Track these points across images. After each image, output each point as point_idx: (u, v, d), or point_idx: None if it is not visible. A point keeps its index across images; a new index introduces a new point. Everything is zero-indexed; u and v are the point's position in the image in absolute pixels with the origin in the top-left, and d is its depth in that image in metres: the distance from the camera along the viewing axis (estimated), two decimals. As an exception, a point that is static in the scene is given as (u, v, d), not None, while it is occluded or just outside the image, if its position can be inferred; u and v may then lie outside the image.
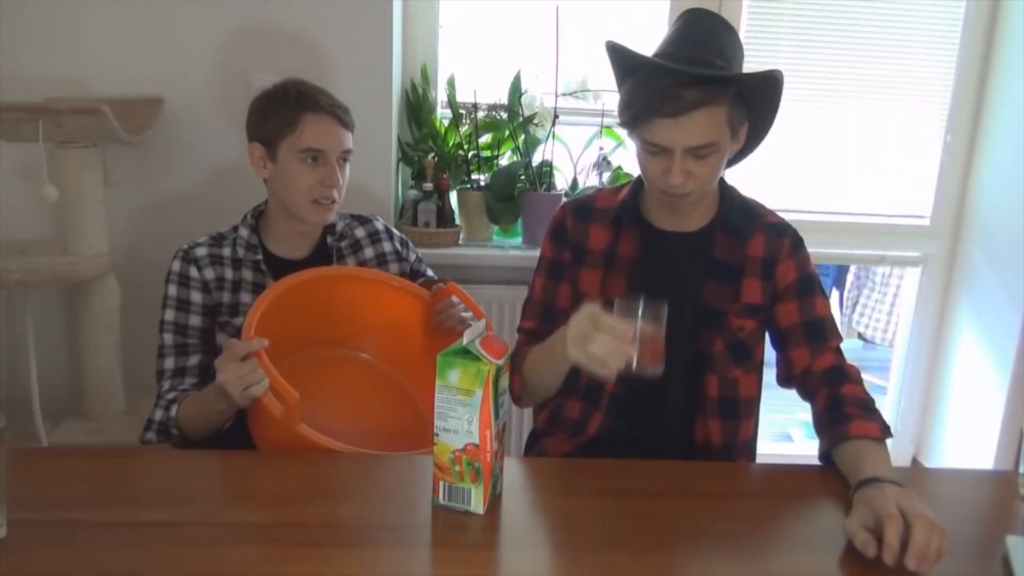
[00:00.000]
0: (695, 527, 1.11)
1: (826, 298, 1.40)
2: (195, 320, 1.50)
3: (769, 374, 1.46)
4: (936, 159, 2.58)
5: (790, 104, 2.50)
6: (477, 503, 1.06)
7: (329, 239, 1.62)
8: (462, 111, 2.37)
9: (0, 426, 0.96)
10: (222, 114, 2.16)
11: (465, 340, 1.05)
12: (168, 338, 1.50)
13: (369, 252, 1.66)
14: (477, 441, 1.04)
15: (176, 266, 1.52)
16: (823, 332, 1.36)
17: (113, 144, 2.03)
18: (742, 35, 2.42)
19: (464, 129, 2.39)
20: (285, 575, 0.94)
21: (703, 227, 1.39)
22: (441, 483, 1.07)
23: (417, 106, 2.37)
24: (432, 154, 2.35)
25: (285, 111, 1.48)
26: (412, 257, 1.71)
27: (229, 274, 1.54)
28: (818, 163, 2.56)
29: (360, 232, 1.67)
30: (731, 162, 1.37)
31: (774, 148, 2.52)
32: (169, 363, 1.49)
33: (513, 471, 1.16)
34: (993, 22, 2.47)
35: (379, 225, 1.71)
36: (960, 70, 2.50)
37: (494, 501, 1.09)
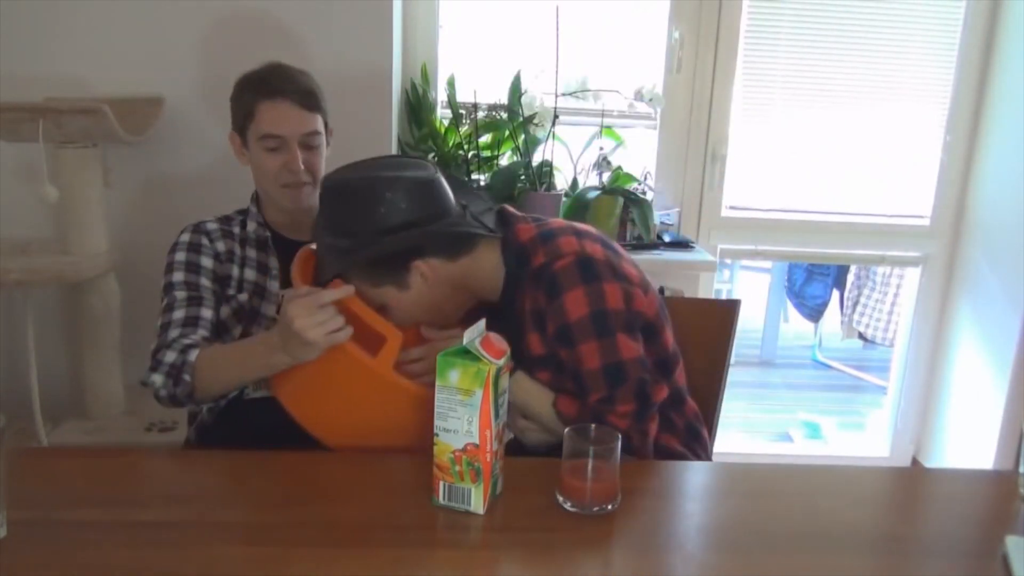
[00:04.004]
0: (695, 527, 1.11)
1: None
2: (206, 283, 1.47)
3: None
4: (936, 159, 2.58)
5: (791, 104, 2.53)
6: (477, 503, 1.06)
7: None
8: (462, 111, 2.37)
9: (0, 426, 0.96)
10: (222, 114, 2.14)
11: (465, 340, 1.05)
12: (179, 294, 1.44)
13: None
14: (477, 441, 1.04)
15: (186, 236, 1.50)
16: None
17: (113, 144, 2.03)
18: (742, 34, 2.43)
19: (464, 129, 2.39)
20: (285, 575, 0.94)
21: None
22: (441, 483, 1.07)
23: (417, 106, 2.37)
24: (432, 154, 2.35)
25: (246, 99, 1.49)
26: None
27: (238, 250, 1.53)
28: (818, 163, 2.56)
29: None
30: None
31: (775, 148, 2.54)
32: (179, 314, 1.42)
33: (513, 471, 1.16)
34: (993, 22, 2.47)
35: None
36: (960, 70, 2.50)
37: (494, 501, 1.09)
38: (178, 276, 1.46)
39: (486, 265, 1.31)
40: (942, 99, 2.53)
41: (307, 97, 1.49)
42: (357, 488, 1.16)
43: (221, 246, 1.51)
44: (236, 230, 1.54)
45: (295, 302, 1.16)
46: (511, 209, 1.38)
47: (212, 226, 1.53)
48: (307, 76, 1.53)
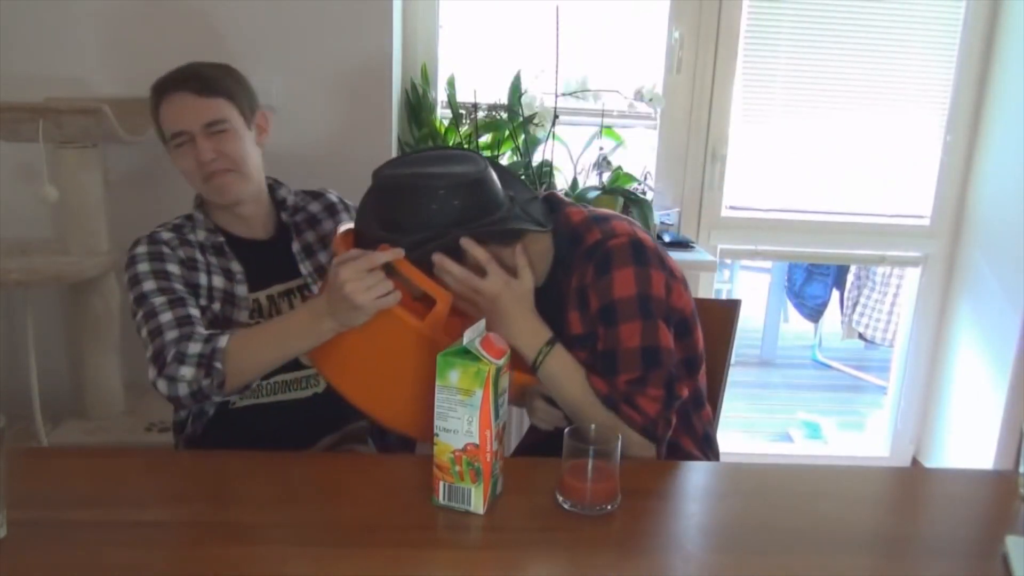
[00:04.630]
0: (695, 527, 1.11)
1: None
2: (179, 286, 1.39)
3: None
4: (936, 159, 2.58)
5: (791, 104, 2.52)
6: (477, 503, 1.06)
7: (284, 215, 1.54)
8: (462, 111, 2.37)
9: (0, 426, 0.96)
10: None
11: (465, 340, 1.05)
12: (157, 300, 1.35)
13: (328, 225, 1.58)
14: (477, 441, 1.04)
15: (142, 248, 1.41)
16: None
17: (113, 144, 2.03)
18: (742, 34, 2.43)
19: (464, 129, 2.39)
20: (285, 575, 0.94)
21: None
22: (441, 483, 1.07)
23: (417, 106, 2.37)
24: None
25: (152, 107, 1.43)
26: None
27: (199, 256, 1.45)
28: (818, 163, 2.56)
29: (315, 207, 1.59)
30: None
31: (775, 148, 2.54)
32: (167, 316, 1.33)
33: (513, 471, 1.16)
34: (993, 22, 2.46)
35: (333, 197, 1.62)
36: (960, 70, 2.50)
37: (494, 501, 1.09)
38: (148, 285, 1.37)
39: (536, 250, 1.32)
40: (942, 99, 2.53)
41: (203, 84, 1.39)
42: (357, 488, 1.16)
43: (182, 253, 1.43)
44: (192, 237, 1.46)
45: (346, 265, 1.14)
46: (559, 195, 1.40)
47: (167, 235, 1.44)
48: (209, 65, 1.44)
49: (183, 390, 1.27)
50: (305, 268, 1.53)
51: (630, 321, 1.24)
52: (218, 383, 1.26)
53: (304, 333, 1.24)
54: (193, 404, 1.31)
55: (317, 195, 1.62)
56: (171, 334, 1.31)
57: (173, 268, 1.40)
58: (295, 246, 1.53)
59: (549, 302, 1.31)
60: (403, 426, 1.28)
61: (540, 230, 1.30)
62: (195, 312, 1.37)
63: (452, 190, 1.22)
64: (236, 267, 1.47)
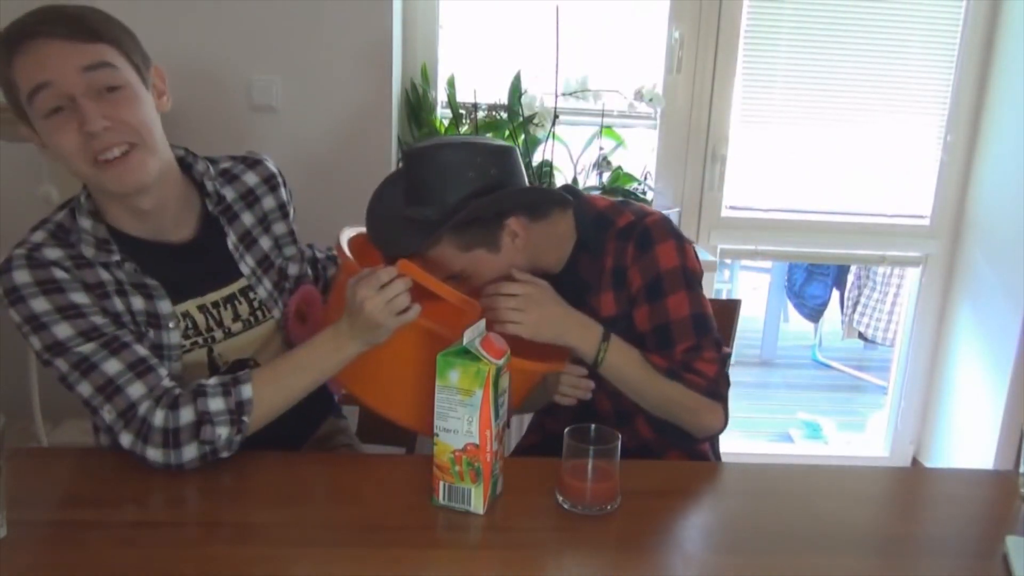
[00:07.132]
0: (695, 527, 1.11)
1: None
2: (99, 320, 1.11)
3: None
4: (936, 159, 2.58)
5: (791, 104, 2.52)
6: (477, 503, 1.06)
7: (210, 205, 1.26)
8: (462, 111, 2.37)
9: (0, 426, 0.96)
10: (222, 114, 2.16)
11: (465, 340, 1.05)
12: (87, 349, 1.08)
13: (269, 202, 1.33)
14: (477, 441, 1.04)
15: (24, 276, 1.08)
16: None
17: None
18: (742, 34, 2.43)
19: (464, 129, 2.39)
20: (285, 575, 0.94)
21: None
22: (441, 483, 1.07)
23: (417, 106, 2.37)
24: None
25: (2, 67, 1.06)
26: (292, 213, 1.39)
27: (105, 275, 1.15)
28: (818, 163, 2.56)
29: (251, 178, 1.32)
30: None
31: (775, 148, 2.54)
32: (114, 366, 1.09)
33: (513, 471, 1.16)
34: (993, 22, 2.46)
35: (272, 167, 1.37)
36: (960, 70, 2.50)
37: (494, 501, 1.09)
38: (62, 331, 1.08)
39: (560, 233, 1.34)
40: (942, 99, 2.53)
41: (77, 26, 1.04)
42: (357, 488, 1.16)
43: (81, 275, 1.12)
44: (86, 251, 1.15)
45: (361, 284, 1.09)
46: (572, 186, 1.43)
47: (54, 253, 1.11)
48: (78, 7, 1.09)
49: (189, 454, 1.09)
50: (246, 266, 1.28)
51: (676, 292, 1.28)
52: (242, 439, 1.12)
53: (333, 361, 1.15)
54: (197, 466, 1.11)
55: (253, 163, 1.34)
56: (135, 389, 1.09)
57: (80, 298, 1.10)
58: (230, 241, 1.27)
59: (571, 286, 1.32)
60: (429, 429, 1.26)
61: (569, 200, 1.33)
62: (141, 350, 1.13)
63: (488, 157, 1.24)
64: (150, 281, 1.18)
